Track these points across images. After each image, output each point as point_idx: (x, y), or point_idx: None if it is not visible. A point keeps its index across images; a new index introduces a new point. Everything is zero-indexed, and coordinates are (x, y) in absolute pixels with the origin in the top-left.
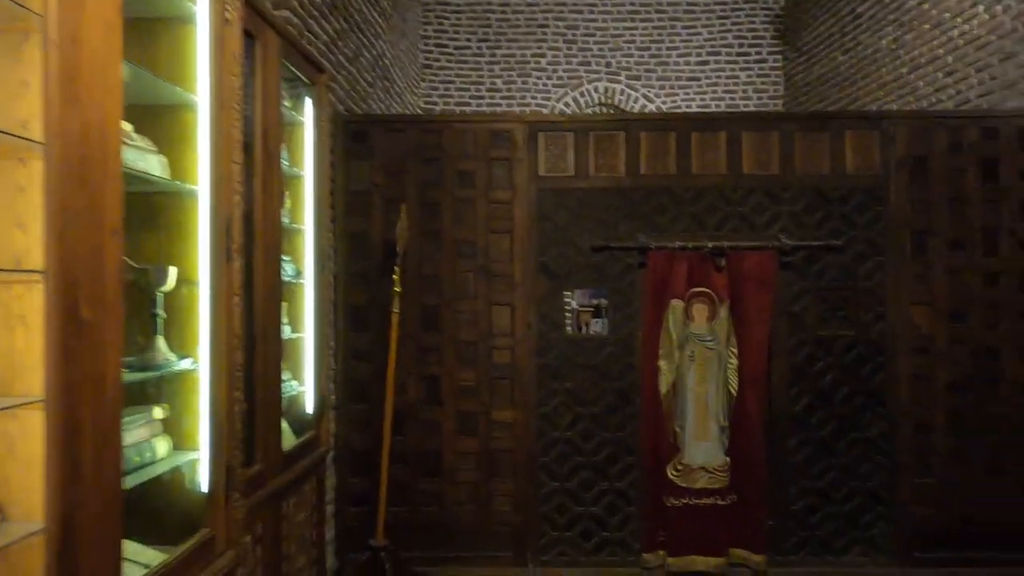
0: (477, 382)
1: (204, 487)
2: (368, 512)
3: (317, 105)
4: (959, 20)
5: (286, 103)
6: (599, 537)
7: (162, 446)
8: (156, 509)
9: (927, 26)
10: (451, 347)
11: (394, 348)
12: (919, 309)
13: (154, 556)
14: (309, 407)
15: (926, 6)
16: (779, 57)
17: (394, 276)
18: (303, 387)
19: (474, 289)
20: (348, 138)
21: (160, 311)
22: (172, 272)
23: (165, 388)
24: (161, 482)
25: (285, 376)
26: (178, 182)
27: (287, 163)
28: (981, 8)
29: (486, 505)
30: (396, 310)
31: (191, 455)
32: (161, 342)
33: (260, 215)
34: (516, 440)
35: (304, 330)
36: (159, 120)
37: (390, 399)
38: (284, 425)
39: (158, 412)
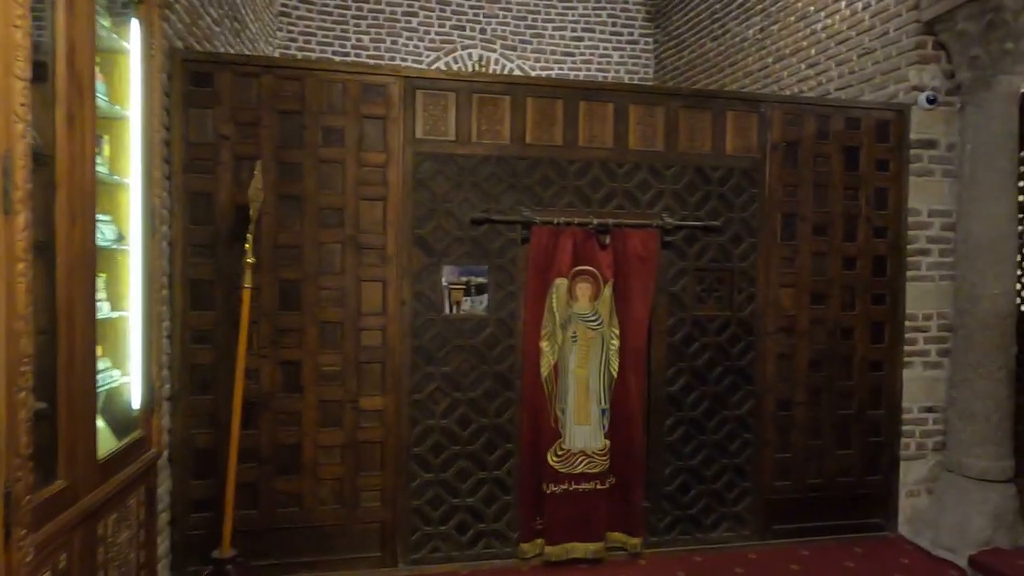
0: (343, 367)
1: None
2: (213, 519)
3: (147, 31)
4: (822, 15)
5: (104, 22)
6: (475, 530)
7: None
8: None
9: (792, 18)
10: (313, 327)
11: (245, 328)
12: (786, 291)
13: None
14: (136, 401)
15: None
16: (650, 40)
17: (246, 246)
18: (127, 377)
19: (341, 262)
20: (188, 79)
21: None
22: None
23: None
24: None
25: (102, 365)
26: None
27: (106, 99)
28: (843, 4)
29: (352, 503)
30: (248, 285)
31: None
32: None
33: (64, 158)
34: (386, 430)
35: (128, 308)
36: None
37: (239, 388)
38: (101, 425)
39: None
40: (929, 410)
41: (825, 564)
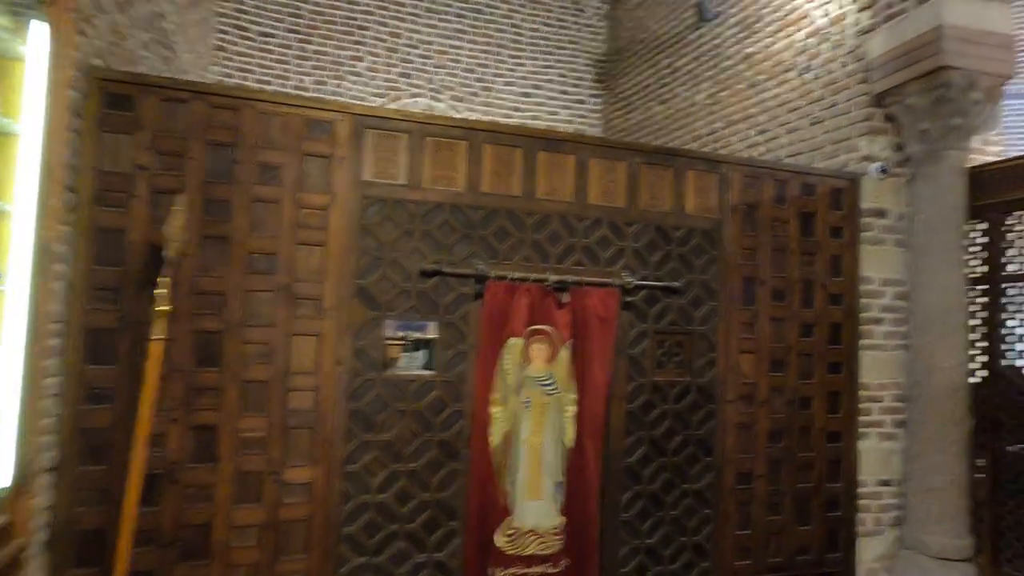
0: (268, 432)
1: None
2: None
3: (55, 37)
4: (772, 83)
5: None
6: None
7: None
8: None
9: (742, 85)
10: (234, 387)
11: (152, 386)
12: (745, 357)
13: None
14: (4, 478)
15: (742, 67)
16: (599, 100)
17: (158, 290)
18: None
19: (271, 313)
20: (105, 101)
21: None
22: None
23: None
24: None
25: None
26: None
27: None
28: (792, 75)
29: None
30: (159, 336)
31: None
32: None
33: None
34: (314, 505)
35: None
36: None
37: (139, 455)
38: None
39: None
40: (885, 483)
41: None
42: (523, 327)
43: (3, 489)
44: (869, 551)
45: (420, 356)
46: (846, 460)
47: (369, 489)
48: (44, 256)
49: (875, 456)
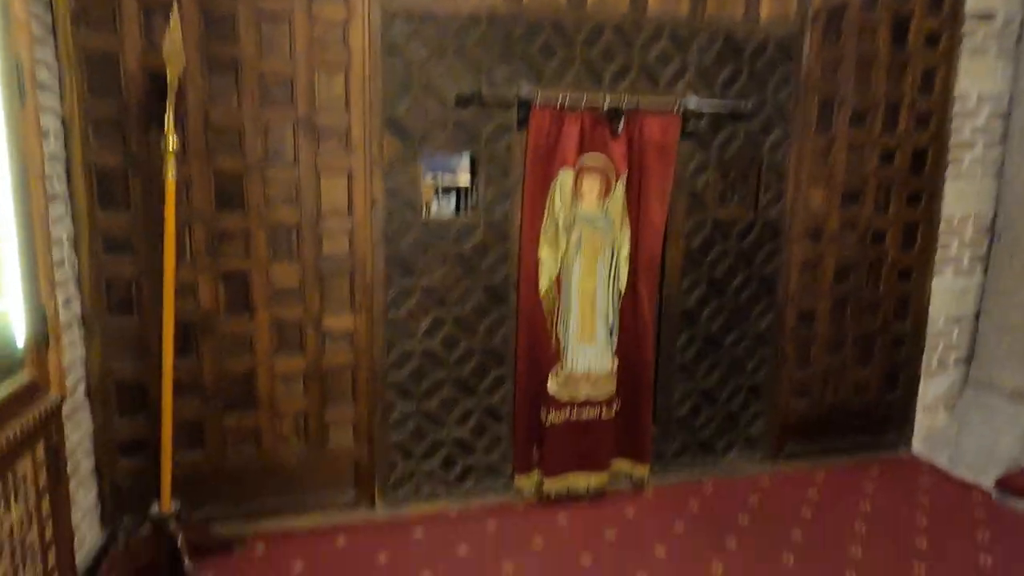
0: (302, 280)
1: None
2: (149, 464)
3: None
4: None
5: None
6: (464, 464)
7: None
8: None
9: None
10: (262, 232)
11: (171, 234)
12: (817, 190)
13: None
14: (19, 335)
15: None
16: None
17: (165, 126)
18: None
19: (293, 150)
20: None
21: None
22: None
23: None
24: None
25: None
26: None
27: None
28: None
29: (320, 440)
30: (171, 177)
31: None
32: None
33: None
34: (357, 354)
35: None
36: None
37: (169, 307)
38: None
39: None
40: (956, 322)
41: (843, 489)
42: (574, 159)
43: (20, 348)
44: (930, 390)
45: (452, 198)
46: (916, 298)
47: (413, 336)
48: (17, 79)
49: (948, 295)
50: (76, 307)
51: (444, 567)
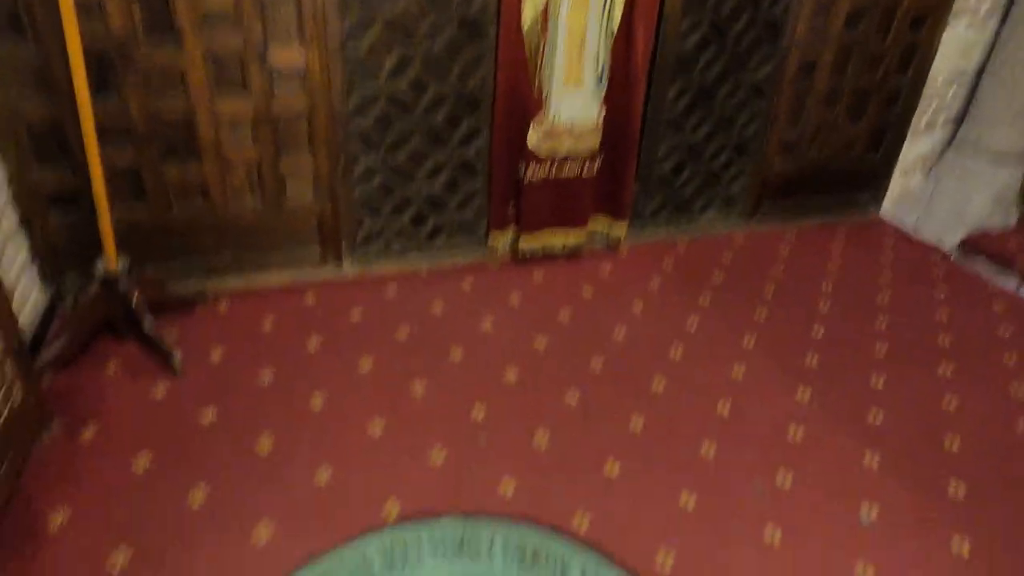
0: (237, 1)
1: None
2: (84, 218)
3: None
4: None
5: None
6: (435, 221)
7: None
8: None
9: None
10: None
11: None
12: None
13: None
14: None
15: None
16: None
17: None
18: None
19: None
20: None
21: None
22: None
23: None
24: None
25: None
26: None
27: None
28: None
29: (276, 193)
30: None
31: None
32: None
33: None
34: (312, 97)
35: None
36: None
37: (72, 29)
38: None
39: None
40: (954, 80)
41: (812, 248)
42: None
43: None
44: (912, 150)
45: None
46: (923, 50)
47: (377, 77)
48: None
49: (954, 48)
50: None
51: (421, 322)
